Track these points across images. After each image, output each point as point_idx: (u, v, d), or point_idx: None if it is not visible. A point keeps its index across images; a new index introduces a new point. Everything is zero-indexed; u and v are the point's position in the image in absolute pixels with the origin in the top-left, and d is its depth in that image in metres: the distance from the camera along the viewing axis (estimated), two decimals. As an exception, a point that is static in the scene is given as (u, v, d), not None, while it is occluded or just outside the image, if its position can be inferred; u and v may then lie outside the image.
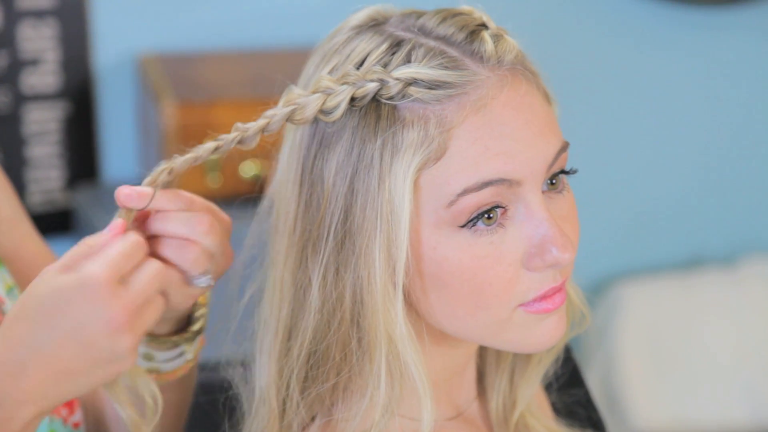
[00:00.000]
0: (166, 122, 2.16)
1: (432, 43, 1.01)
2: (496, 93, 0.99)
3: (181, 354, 1.10)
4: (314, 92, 1.01)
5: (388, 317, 0.99)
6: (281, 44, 2.51)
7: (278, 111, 1.02)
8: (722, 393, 2.72)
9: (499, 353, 1.14)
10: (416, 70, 0.98)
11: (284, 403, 1.05)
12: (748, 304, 2.81)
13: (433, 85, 0.98)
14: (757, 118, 2.92)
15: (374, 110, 0.99)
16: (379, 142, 0.98)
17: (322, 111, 1.00)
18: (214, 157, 1.00)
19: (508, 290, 1.00)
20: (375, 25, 1.05)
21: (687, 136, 2.89)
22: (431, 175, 0.98)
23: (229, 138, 1.01)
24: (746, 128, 2.92)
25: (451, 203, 0.98)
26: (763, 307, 2.81)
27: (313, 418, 1.06)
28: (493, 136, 0.98)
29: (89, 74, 2.42)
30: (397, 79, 0.98)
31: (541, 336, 1.03)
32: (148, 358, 1.09)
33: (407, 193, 0.97)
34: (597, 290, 2.82)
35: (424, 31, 1.02)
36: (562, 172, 1.03)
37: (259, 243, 1.11)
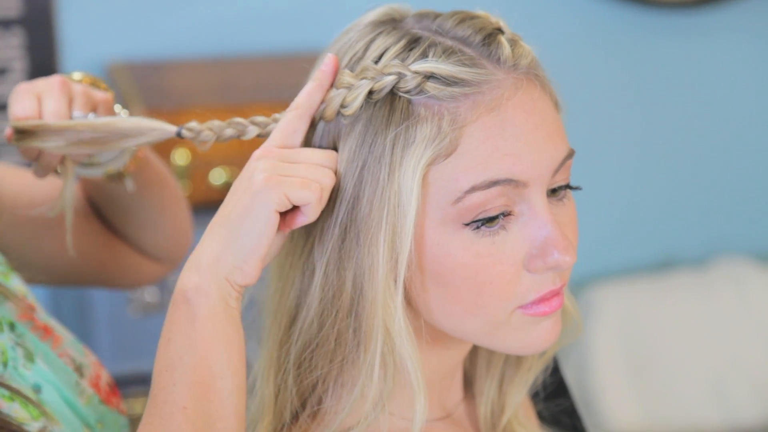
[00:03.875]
0: (135, 130, 2.15)
1: (449, 42, 1.02)
2: (510, 95, 1.00)
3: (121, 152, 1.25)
4: (337, 88, 1.02)
5: (387, 310, 0.99)
6: (249, 51, 2.51)
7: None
8: (693, 393, 2.73)
9: (489, 359, 1.15)
10: (434, 65, 0.99)
11: (279, 389, 1.05)
12: (719, 305, 2.82)
13: (450, 82, 0.99)
14: (729, 121, 2.94)
15: (389, 103, 1.00)
16: (391, 134, 0.99)
17: (341, 106, 1.01)
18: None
19: (508, 290, 1.00)
20: (392, 21, 1.06)
21: (658, 140, 2.90)
22: (440, 171, 0.99)
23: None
24: (717, 132, 2.94)
25: (458, 200, 0.98)
26: (734, 307, 2.83)
27: (304, 407, 1.06)
28: (503, 136, 0.99)
29: (57, 83, 2.41)
30: (415, 72, 0.99)
31: (536, 338, 1.03)
32: (91, 164, 1.23)
33: (416, 187, 0.98)
34: (570, 292, 2.82)
35: (441, 31, 1.03)
36: (567, 186, 1.04)
37: None
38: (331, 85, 1.03)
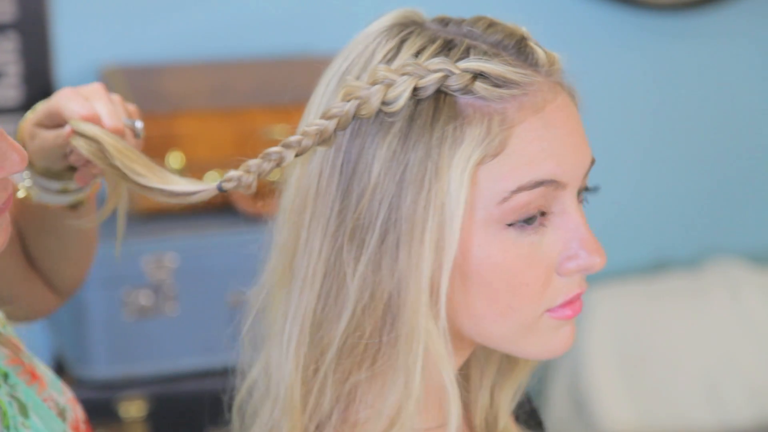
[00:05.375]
0: (130, 134, 2.14)
1: (485, 46, 1.01)
2: (551, 98, 1.01)
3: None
4: (373, 83, 0.98)
5: (428, 313, 0.97)
6: (244, 54, 2.51)
7: (344, 107, 0.98)
8: (687, 395, 2.74)
9: (483, 370, 1.14)
10: (482, 64, 0.98)
11: (306, 396, 1.02)
12: (712, 308, 2.83)
13: (498, 82, 0.98)
14: (721, 123, 2.94)
15: (432, 102, 0.98)
16: (438, 134, 0.97)
17: (383, 102, 0.98)
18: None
19: (541, 292, 1.00)
20: (413, 24, 1.03)
21: (651, 142, 2.90)
22: (487, 171, 0.98)
23: (311, 133, 0.99)
24: (710, 133, 2.94)
25: (504, 200, 0.98)
26: (727, 309, 2.83)
27: (331, 413, 1.03)
28: (548, 138, 1.00)
29: (51, 87, 2.41)
30: (464, 70, 0.98)
31: (557, 343, 1.04)
32: (65, 191, 1.20)
33: (465, 187, 0.97)
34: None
35: (473, 35, 1.02)
36: (587, 189, 1.07)
37: (255, 253, 1.10)
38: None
